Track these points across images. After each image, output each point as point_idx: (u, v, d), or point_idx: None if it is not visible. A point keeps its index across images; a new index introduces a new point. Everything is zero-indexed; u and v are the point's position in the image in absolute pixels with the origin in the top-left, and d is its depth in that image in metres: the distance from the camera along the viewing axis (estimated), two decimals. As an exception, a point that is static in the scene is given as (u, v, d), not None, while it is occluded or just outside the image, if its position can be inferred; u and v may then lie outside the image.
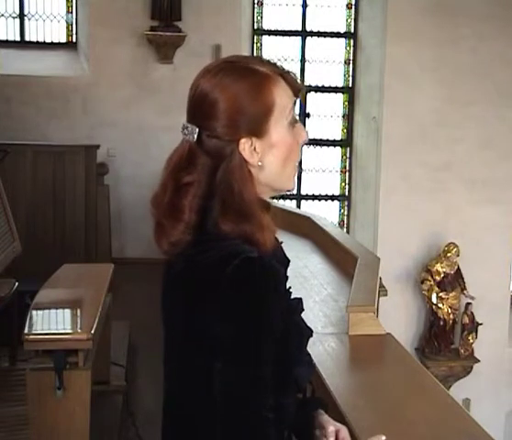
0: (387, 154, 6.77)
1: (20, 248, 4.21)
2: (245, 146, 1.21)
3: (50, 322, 3.03)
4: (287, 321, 1.24)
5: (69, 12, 6.70)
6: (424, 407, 2.03)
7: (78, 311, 3.18)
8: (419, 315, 6.95)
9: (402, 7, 6.57)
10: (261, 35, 7.06)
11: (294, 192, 7.09)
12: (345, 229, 7.17)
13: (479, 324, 6.71)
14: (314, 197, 7.31)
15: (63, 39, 6.75)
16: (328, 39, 7.12)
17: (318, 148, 7.21)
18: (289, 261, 1.35)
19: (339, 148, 7.28)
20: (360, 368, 2.50)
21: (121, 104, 6.34)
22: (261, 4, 7.01)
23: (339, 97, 7.20)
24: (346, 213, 7.34)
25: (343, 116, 7.22)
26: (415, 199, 6.74)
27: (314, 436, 1.38)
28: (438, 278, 6.63)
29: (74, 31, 6.71)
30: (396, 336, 2.61)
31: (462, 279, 6.71)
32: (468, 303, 6.72)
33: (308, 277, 3.56)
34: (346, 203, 7.33)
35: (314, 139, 7.12)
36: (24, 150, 5.48)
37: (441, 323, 6.66)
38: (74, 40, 6.72)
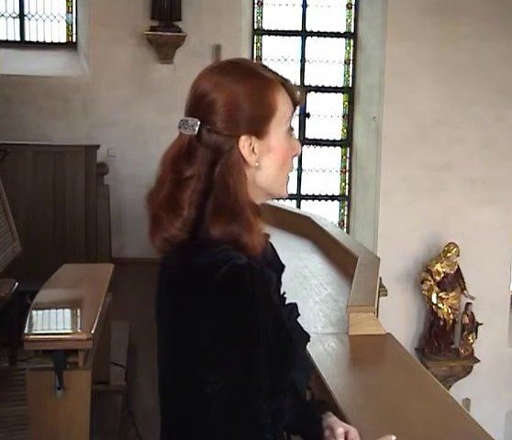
0: (387, 154, 6.77)
1: (20, 248, 4.20)
2: (245, 144, 1.22)
3: (50, 322, 3.03)
4: (282, 327, 1.24)
5: (69, 12, 6.71)
6: (424, 407, 2.02)
7: (78, 311, 3.18)
8: (419, 315, 6.95)
9: (402, 7, 6.57)
10: (261, 35, 7.05)
11: (294, 192, 7.09)
12: (345, 229, 7.17)
13: (479, 324, 6.72)
14: (314, 197, 7.31)
15: (63, 39, 6.76)
16: (328, 39, 7.12)
17: (318, 148, 7.21)
18: (284, 267, 1.35)
19: (339, 148, 7.28)
20: (360, 368, 2.50)
21: (121, 104, 6.35)
22: (261, 4, 7.01)
23: (339, 97, 7.20)
24: (346, 213, 7.34)
25: (343, 116, 7.22)
26: (415, 199, 6.74)
27: (323, 438, 1.39)
28: (438, 278, 6.63)
29: (74, 31, 6.71)
30: (396, 336, 2.60)
31: (462, 279, 6.71)
32: (468, 303, 6.72)
33: (308, 277, 3.56)
34: (346, 203, 7.33)
35: (314, 139, 7.13)
36: (24, 150, 5.47)
37: (441, 323, 6.66)
38: (74, 40, 6.72)
